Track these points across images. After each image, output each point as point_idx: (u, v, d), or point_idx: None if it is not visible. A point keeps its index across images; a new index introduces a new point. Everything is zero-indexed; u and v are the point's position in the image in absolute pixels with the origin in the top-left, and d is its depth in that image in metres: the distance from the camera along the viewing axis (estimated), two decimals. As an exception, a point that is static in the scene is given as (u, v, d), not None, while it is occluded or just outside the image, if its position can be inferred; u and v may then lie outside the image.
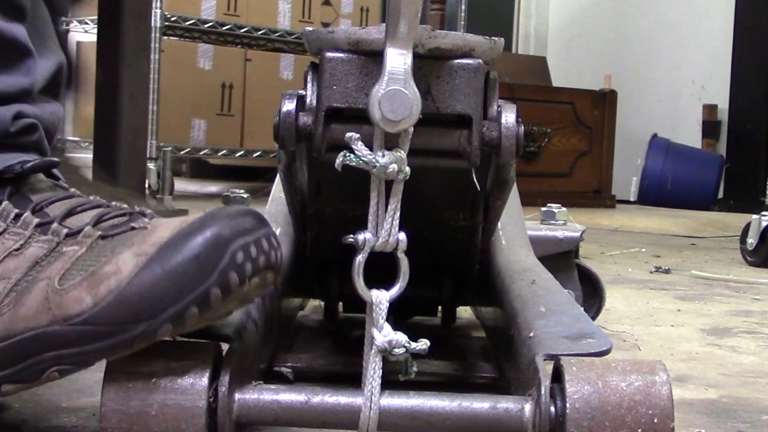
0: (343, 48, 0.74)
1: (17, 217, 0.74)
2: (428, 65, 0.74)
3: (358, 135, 0.68)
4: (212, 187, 4.51)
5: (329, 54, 0.74)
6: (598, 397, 0.64)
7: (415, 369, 0.71)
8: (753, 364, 1.21)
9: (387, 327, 0.68)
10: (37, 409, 0.86)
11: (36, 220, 0.73)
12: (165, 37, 3.56)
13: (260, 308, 0.81)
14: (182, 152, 3.75)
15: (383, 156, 0.68)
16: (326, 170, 0.81)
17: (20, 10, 0.83)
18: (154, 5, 3.34)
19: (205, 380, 0.66)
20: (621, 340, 1.31)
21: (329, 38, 0.74)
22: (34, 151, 0.83)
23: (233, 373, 0.67)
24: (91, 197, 0.78)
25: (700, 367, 1.17)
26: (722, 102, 5.15)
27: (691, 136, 5.21)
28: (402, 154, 0.69)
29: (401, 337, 0.68)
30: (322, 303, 1.13)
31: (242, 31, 3.92)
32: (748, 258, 2.40)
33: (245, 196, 1.31)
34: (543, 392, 0.65)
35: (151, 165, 3.31)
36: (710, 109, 5.18)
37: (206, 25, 3.79)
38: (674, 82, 5.41)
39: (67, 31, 3.86)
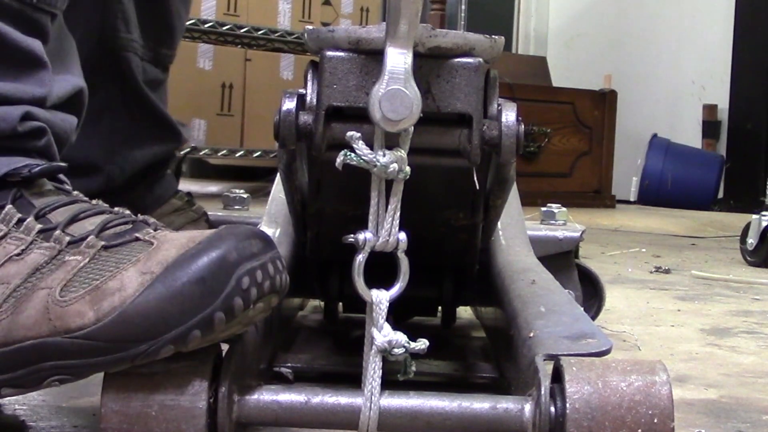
0: (344, 47, 0.74)
1: (20, 221, 0.73)
2: (428, 64, 0.74)
3: (359, 134, 0.68)
4: (212, 187, 4.51)
5: (329, 53, 0.74)
6: (598, 397, 0.64)
7: (414, 369, 0.71)
8: (753, 364, 1.21)
9: (387, 327, 0.68)
10: (36, 409, 0.86)
11: (38, 226, 0.73)
12: (165, 37, 3.55)
13: (260, 308, 0.81)
14: (182, 152, 3.75)
15: (384, 155, 0.68)
16: (326, 169, 0.81)
17: (40, 29, 0.84)
18: (154, 5, 3.34)
19: (205, 381, 0.66)
20: (621, 340, 1.31)
21: (329, 37, 0.74)
22: (42, 156, 0.83)
23: (233, 373, 0.67)
24: (94, 202, 0.78)
25: (700, 367, 1.17)
26: (722, 102, 5.15)
27: (691, 136, 5.21)
28: (402, 153, 0.69)
29: (401, 337, 0.68)
30: (322, 303, 1.13)
31: (242, 31, 3.92)
32: (748, 258, 2.40)
33: (245, 196, 1.31)
34: (543, 392, 0.65)
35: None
36: (710, 109, 5.18)
37: (206, 25, 3.79)
38: (674, 82, 5.41)
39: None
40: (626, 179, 5.05)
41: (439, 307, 1.13)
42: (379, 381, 0.67)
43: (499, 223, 1.07)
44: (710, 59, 5.23)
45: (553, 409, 0.65)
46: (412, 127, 0.69)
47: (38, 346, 0.66)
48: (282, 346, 1.04)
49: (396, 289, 0.70)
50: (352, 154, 0.68)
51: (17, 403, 0.86)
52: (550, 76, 4.99)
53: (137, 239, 0.70)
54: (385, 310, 0.69)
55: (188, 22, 3.69)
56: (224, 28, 3.86)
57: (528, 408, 0.67)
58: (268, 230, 1.04)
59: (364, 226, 0.69)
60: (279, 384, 0.72)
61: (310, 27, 0.76)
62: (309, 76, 0.77)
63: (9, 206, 0.75)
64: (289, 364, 0.98)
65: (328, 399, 0.68)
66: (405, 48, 0.68)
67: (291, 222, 1.02)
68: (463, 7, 4.53)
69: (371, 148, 0.68)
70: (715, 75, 5.20)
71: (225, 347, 0.70)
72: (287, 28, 4.04)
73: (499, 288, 0.95)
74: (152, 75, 1.27)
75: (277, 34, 3.99)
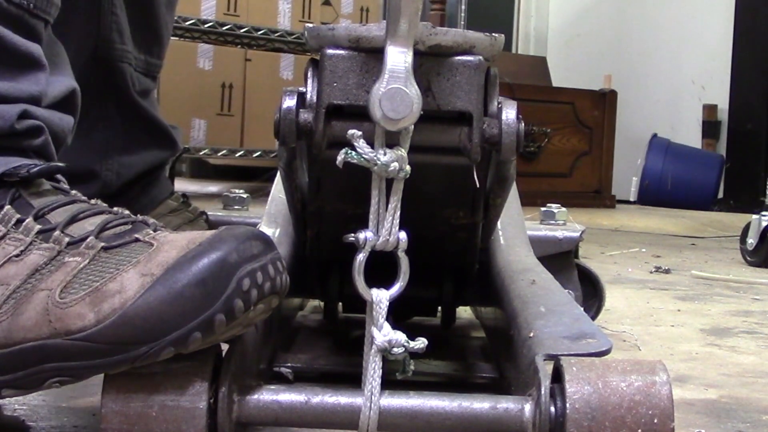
0: (344, 45, 0.74)
1: (19, 222, 0.73)
2: (429, 62, 0.74)
3: (360, 132, 0.68)
4: (212, 187, 4.51)
5: (330, 51, 0.74)
6: (598, 397, 0.64)
7: (412, 368, 0.71)
8: (753, 364, 1.20)
9: (387, 326, 0.68)
10: (36, 409, 0.86)
11: (37, 227, 0.72)
12: (165, 37, 3.55)
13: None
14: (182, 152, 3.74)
15: (384, 154, 0.68)
16: (326, 168, 0.81)
17: (36, 34, 0.85)
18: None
19: (205, 381, 0.65)
20: (621, 340, 1.31)
21: (330, 35, 0.74)
22: (39, 156, 0.83)
23: (233, 373, 0.67)
24: (93, 201, 0.78)
25: (700, 367, 1.17)
26: (722, 102, 5.15)
27: (691, 136, 5.21)
28: (403, 152, 0.69)
29: (400, 336, 0.68)
30: (322, 303, 1.13)
31: (242, 31, 3.92)
32: (748, 258, 2.40)
33: (245, 196, 1.31)
34: (543, 392, 0.65)
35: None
36: (710, 109, 5.18)
37: (206, 25, 3.79)
38: (674, 82, 5.41)
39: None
40: (626, 179, 5.05)
41: (439, 308, 1.13)
42: (379, 381, 0.67)
43: (499, 223, 1.07)
44: (710, 59, 5.23)
45: (553, 409, 0.65)
46: (413, 126, 0.69)
47: (39, 347, 0.66)
48: (282, 346, 1.04)
49: (396, 289, 0.70)
50: (353, 153, 0.68)
51: (17, 403, 0.86)
52: (550, 76, 4.99)
53: (137, 240, 0.70)
54: (385, 310, 0.69)
55: (188, 22, 3.70)
56: (224, 28, 3.86)
57: (528, 408, 0.67)
58: (268, 230, 1.04)
59: (364, 225, 0.69)
60: (279, 384, 0.72)
61: (311, 25, 0.76)
62: (309, 74, 0.77)
63: (7, 207, 0.75)
64: (289, 364, 0.98)
65: (328, 399, 0.68)
66: (405, 46, 0.68)
67: (291, 222, 1.02)
68: (463, 7, 4.53)
69: (372, 146, 0.68)
70: (715, 75, 5.20)
71: (225, 347, 0.70)
72: (287, 28, 4.04)
73: (498, 288, 0.95)
74: (144, 85, 1.28)
75: (277, 34, 3.99)
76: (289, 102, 0.75)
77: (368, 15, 4.29)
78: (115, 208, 0.77)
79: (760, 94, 4.96)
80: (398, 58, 0.67)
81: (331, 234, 0.86)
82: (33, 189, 0.77)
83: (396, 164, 0.68)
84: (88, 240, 0.70)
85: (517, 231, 1.12)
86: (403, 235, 0.69)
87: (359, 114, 0.72)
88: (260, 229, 1.04)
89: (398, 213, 0.69)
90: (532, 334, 0.75)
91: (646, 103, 5.47)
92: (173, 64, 3.67)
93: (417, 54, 0.71)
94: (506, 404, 0.67)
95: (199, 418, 0.65)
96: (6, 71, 0.82)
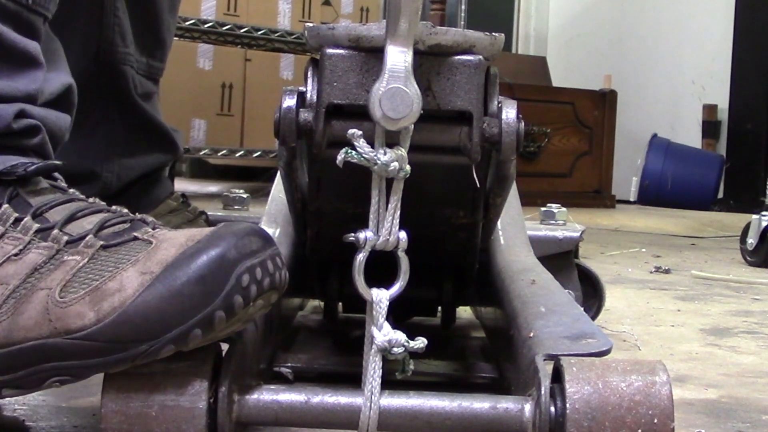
0: (344, 44, 0.74)
1: (17, 221, 0.73)
2: (429, 62, 0.74)
3: (360, 132, 0.68)
4: (212, 187, 4.51)
5: (329, 50, 0.74)
6: (598, 397, 0.64)
7: (412, 367, 0.70)
8: (753, 364, 1.20)
9: (387, 326, 0.68)
10: (36, 409, 0.86)
11: (36, 226, 0.72)
12: (165, 37, 3.55)
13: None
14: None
15: (384, 154, 0.68)
16: (326, 167, 0.81)
17: (34, 30, 0.85)
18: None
19: (205, 381, 0.65)
20: (621, 340, 1.31)
21: (330, 34, 0.74)
22: (36, 155, 0.83)
23: (233, 373, 0.67)
24: (91, 200, 0.78)
25: (700, 367, 1.17)
26: (722, 102, 5.15)
27: (691, 136, 5.21)
28: (403, 152, 0.69)
29: (400, 336, 0.68)
30: (322, 303, 1.13)
31: (242, 31, 3.92)
32: (748, 258, 2.40)
33: (245, 196, 1.31)
34: (543, 392, 0.65)
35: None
36: (710, 109, 5.18)
37: (206, 25, 3.79)
38: (674, 82, 5.41)
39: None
40: (626, 179, 5.04)
41: (439, 308, 1.13)
42: (379, 381, 0.67)
43: (499, 223, 1.07)
44: (710, 59, 5.23)
45: (553, 409, 0.65)
46: (413, 125, 0.69)
47: (39, 347, 0.66)
48: (282, 346, 1.04)
49: (396, 288, 0.70)
50: (353, 152, 0.68)
51: (17, 403, 0.86)
52: (550, 76, 4.99)
53: (136, 238, 0.70)
54: (385, 309, 0.69)
55: (188, 22, 3.70)
56: (224, 28, 3.86)
57: (528, 408, 0.67)
58: (268, 230, 1.03)
59: (364, 225, 0.69)
60: (279, 384, 0.72)
61: (311, 24, 0.76)
62: (309, 74, 0.77)
63: (5, 205, 0.74)
64: (289, 364, 0.98)
65: (328, 399, 0.68)
66: (405, 46, 0.68)
67: (291, 222, 1.02)
68: (463, 6, 4.53)
69: (372, 145, 0.68)
70: (715, 75, 5.20)
71: (225, 347, 0.70)
72: (287, 28, 4.04)
73: (498, 288, 0.95)
74: (146, 88, 1.28)
75: (277, 34, 3.99)
76: (289, 101, 0.75)
77: (368, 15, 4.29)
78: (114, 207, 0.77)
79: (760, 94, 4.96)
80: (398, 57, 0.67)
81: (331, 234, 0.86)
82: (31, 187, 0.77)
83: (396, 164, 0.68)
84: (87, 239, 0.70)
85: (517, 231, 1.12)
86: (403, 234, 0.69)
87: (359, 113, 0.72)
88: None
89: (398, 213, 0.69)
90: (532, 334, 0.75)
91: (646, 103, 5.47)
92: (173, 64, 3.65)
93: (417, 53, 0.71)
94: (506, 404, 0.67)
95: (198, 418, 0.65)
96: (3, 69, 0.82)
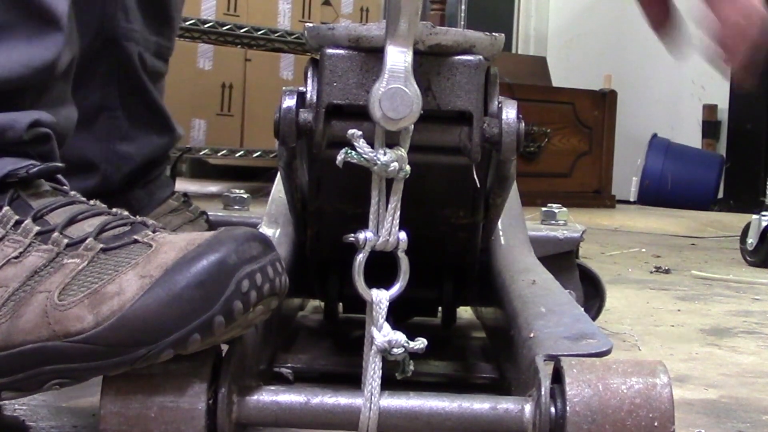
0: (344, 44, 0.74)
1: (17, 223, 0.73)
2: (429, 62, 0.74)
3: (360, 132, 0.68)
4: (212, 187, 4.51)
5: (329, 50, 0.74)
6: (598, 399, 0.63)
7: (412, 368, 0.70)
8: (753, 364, 1.20)
9: (386, 326, 0.68)
10: (36, 409, 0.86)
11: (36, 228, 0.72)
12: (165, 37, 3.55)
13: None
14: (178, 153, 3.74)
15: (384, 154, 0.68)
16: (326, 167, 0.81)
17: None
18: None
19: (204, 382, 0.65)
20: (621, 340, 1.31)
21: (329, 34, 0.74)
22: (42, 159, 0.82)
23: (233, 374, 0.67)
24: (92, 202, 0.78)
25: (700, 367, 1.17)
26: (722, 102, 5.15)
27: (691, 136, 5.21)
28: (403, 152, 0.69)
29: (400, 337, 0.68)
30: (323, 303, 1.13)
31: (242, 31, 3.92)
32: (748, 258, 2.40)
33: (245, 196, 1.31)
34: (543, 393, 0.65)
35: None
36: (710, 109, 5.18)
37: (206, 25, 3.79)
38: (674, 82, 5.40)
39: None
40: (626, 179, 5.04)
41: (440, 308, 1.13)
42: (378, 381, 0.67)
43: (499, 224, 1.06)
44: (710, 59, 5.22)
45: (553, 409, 0.65)
46: (413, 125, 0.68)
47: (38, 350, 0.66)
48: (282, 347, 1.04)
49: (396, 289, 0.69)
50: (353, 152, 0.68)
51: (17, 404, 0.86)
52: (550, 76, 4.99)
53: (136, 241, 0.70)
54: (385, 310, 0.68)
55: (188, 22, 3.69)
56: (224, 28, 3.86)
57: (528, 409, 0.66)
58: (268, 230, 1.04)
59: (364, 225, 0.69)
60: (279, 385, 0.72)
61: (311, 24, 0.76)
62: (309, 74, 0.76)
63: (6, 208, 0.74)
64: (290, 365, 0.98)
65: (328, 399, 0.67)
66: (405, 46, 0.67)
67: (291, 222, 1.02)
68: (462, 7, 4.53)
69: (372, 146, 0.68)
70: (715, 75, 5.16)
71: (225, 348, 0.69)
72: (287, 28, 4.04)
73: (499, 288, 0.95)
74: (156, 67, 1.26)
75: (277, 34, 3.99)
76: (289, 102, 0.75)
77: (368, 15, 4.29)
78: (114, 209, 0.76)
79: (760, 94, 4.95)
80: (398, 57, 0.67)
81: (332, 234, 0.86)
82: (32, 190, 0.77)
83: (396, 164, 0.68)
84: (87, 241, 0.70)
85: (518, 231, 1.12)
86: (403, 235, 0.69)
87: (359, 114, 0.72)
88: (261, 229, 1.04)
89: (398, 213, 0.69)
90: (532, 335, 0.74)
91: (646, 103, 5.46)
92: (173, 64, 3.65)
93: (417, 53, 0.71)
94: (506, 405, 0.67)
95: (198, 420, 0.64)
96: (22, 29, 0.80)
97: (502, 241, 1.08)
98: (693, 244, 2.94)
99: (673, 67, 5.38)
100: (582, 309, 0.83)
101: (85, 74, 0.93)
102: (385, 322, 0.68)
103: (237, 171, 4.99)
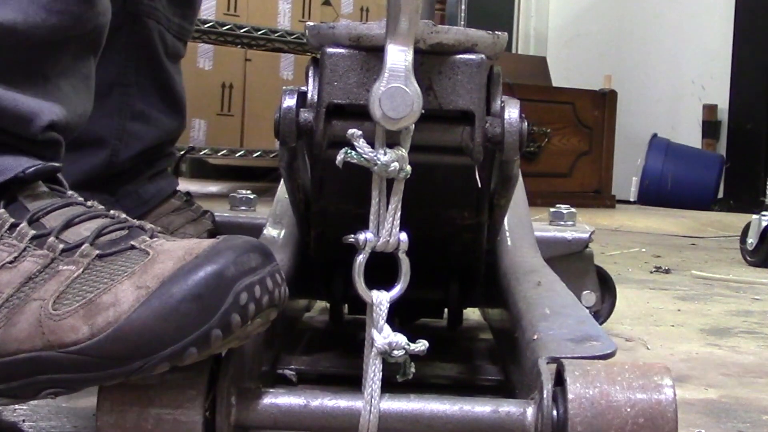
0: (344, 43, 0.73)
1: (13, 227, 0.72)
2: (430, 61, 0.74)
3: (360, 132, 0.67)
4: (212, 187, 4.50)
5: (330, 49, 0.74)
6: (600, 402, 0.63)
7: (413, 370, 0.70)
8: (753, 364, 1.20)
9: (387, 328, 0.68)
10: (36, 409, 0.85)
11: (32, 233, 0.71)
12: (164, 37, 3.55)
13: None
14: (181, 152, 3.74)
15: (385, 154, 0.67)
16: (328, 167, 0.80)
17: None
18: (153, 5, 3.33)
19: (201, 393, 0.64)
20: (623, 340, 1.31)
21: (330, 33, 0.74)
22: (44, 160, 0.81)
23: (232, 376, 0.66)
24: (89, 203, 0.77)
25: (700, 367, 1.16)
26: (722, 102, 5.15)
27: (691, 136, 5.21)
28: (403, 152, 0.68)
29: (401, 339, 0.67)
30: (329, 304, 1.12)
31: (242, 31, 3.91)
32: (748, 258, 2.40)
33: (252, 197, 1.30)
34: (545, 396, 0.64)
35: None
36: (710, 109, 5.18)
37: (206, 25, 3.78)
38: (674, 82, 5.40)
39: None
40: (626, 179, 5.04)
41: (446, 309, 1.12)
42: (379, 384, 0.66)
43: (505, 224, 1.06)
44: (710, 59, 5.23)
45: (555, 413, 0.64)
46: (413, 125, 0.68)
47: (32, 359, 0.65)
48: (287, 348, 1.03)
49: (397, 290, 0.69)
50: (353, 152, 0.67)
51: (17, 403, 0.86)
52: (550, 76, 4.99)
53: (133, 247, 0.68)
54: (386, 312, 0.68)
55: (188, 22, 3.69)
56: (224, 28, 3.86)
57: (530, 412, 0.66)
58: (273, 231, 1.03)
59: (366, 225, 0.69)
60: (278, 387, 0.71)
61: (311, 23, 0.75)
62: (310, 73, 0.76)
63: (1, 210, 0.73)
64: (293, 367, 0.98)
65: (328, 402, 0.67)
66: (405, 45, 0.67)
67: (295, 222, 1.01)
68: (462, 6, 4.53)
69: (372, 145, 0.68)
70: (715, 75, 5.20)
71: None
72: (287, 28, 4.03)
73: (504, 289, 0.94)
74: (176, 48, 1.25)
75: (277, 34, 3.99)
76: (290, 101, 0.75)
77: (368, 15, 4.29)
78: (112, 212, 0.75)
79: (760, 94, 4.95)
80: (398, 56, 0.67)
81: (335, 234, 0.85)
82: (28, 192, 0.76)
83: (396, 164, 0.68)
84: (82, 247, 0.69)
85: (524, 232, 1.11)
86: (403, 236, 0.68)
87: (360, 113, 0.72)
88: (266, 229, 1.03)
89: (399, 214, 0.68)
90: (536, 336, 0.74)
91: (646, 103, 5.46)
92: (173, 63, 3.66)
93: (418, 52, 0.71)
94: (508, 408, 0.66)
95: (195, 430, 0.64)
96: None
97: (509, 242, 1.07)
98: (693, 244, 2.94)
99: (673, 67, 5.39)
100: (587, 310, 0.82)
101: (104, 51, 0.92)
102: (386, 324, 0.68)
103: (237, 171, 4.99)
